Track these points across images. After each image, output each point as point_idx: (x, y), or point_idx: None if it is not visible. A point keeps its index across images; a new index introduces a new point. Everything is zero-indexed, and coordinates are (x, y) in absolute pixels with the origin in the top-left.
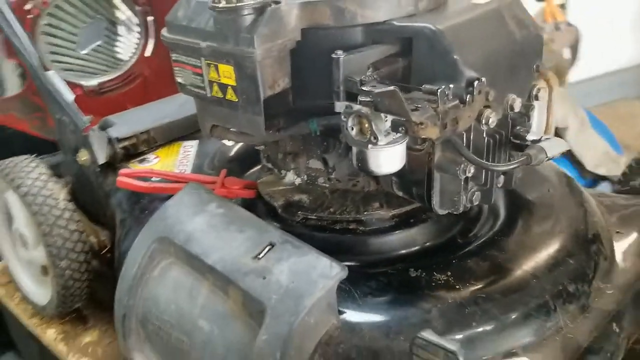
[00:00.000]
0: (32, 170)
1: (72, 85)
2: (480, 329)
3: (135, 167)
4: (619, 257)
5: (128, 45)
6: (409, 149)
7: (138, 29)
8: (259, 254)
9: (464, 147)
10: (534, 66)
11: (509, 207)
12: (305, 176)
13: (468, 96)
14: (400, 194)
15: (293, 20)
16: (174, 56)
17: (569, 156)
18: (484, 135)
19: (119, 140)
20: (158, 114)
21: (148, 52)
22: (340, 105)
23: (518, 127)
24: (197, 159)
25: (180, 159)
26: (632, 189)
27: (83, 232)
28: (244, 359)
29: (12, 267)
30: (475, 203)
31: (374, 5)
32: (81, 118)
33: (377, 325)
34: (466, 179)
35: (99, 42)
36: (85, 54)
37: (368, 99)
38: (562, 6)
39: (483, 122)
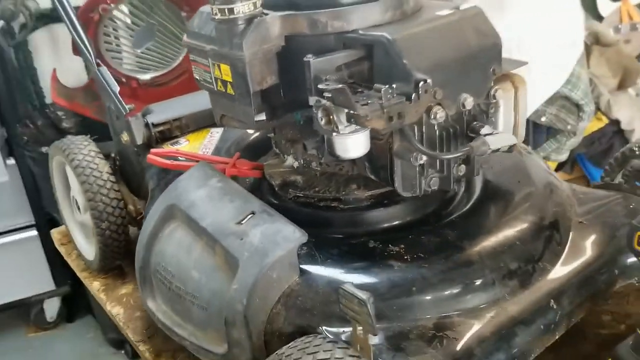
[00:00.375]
0: (84, 147)
1: (129, 79)
2: (419, 294)
3: (167, 147)
4: (577, 244)
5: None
6: (373, 138)
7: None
8: (242, 220)
9: (414, 137)
10: (491, 69)
11: (479, 195)
12: (302, 160)
13: (414, 94)
14: (372, 177)
15: (277, 29)
16: (191, 57)
17: None
18: (436, 129)
19: (155, 125)
20: (191, 104)
21: None
22: (312, 100)
23: (476, 123)
24: (219, 143)
25: (205, 143)
26: (606, 185)
27: (122, 200)
28: (221, 303)
29: (70, 229)
30: (434, 188)
31: (342, 18)
32: (124, 106)
33: (330, 283)
34: (422, 165)
35: (151, 43)
36: (141, 52)
37: (329, 95)
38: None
39: (432, 117)
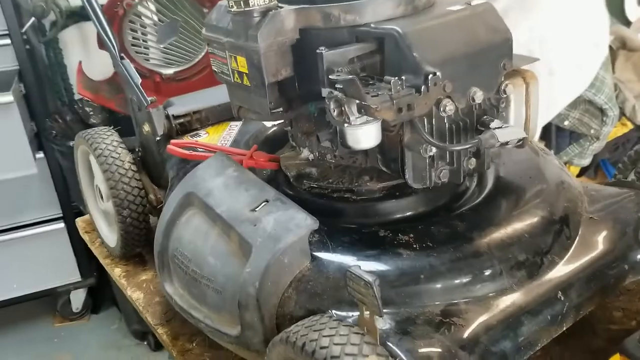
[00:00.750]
0: (107, 137)
1: (153, 73)
2: (427, 281)
3: (187, 139)
4: (587, 239)
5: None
6: (385, 130)
7: None
8: (256, 208)
9: (423, 129)
10: (501, 64)
11: (491, 188)
12: (317, 153)
13: (424, 87)
14: (384, 168)
15: (291, 22)
16: (209, 49)
17: None
18: (445, 121)
19: (175, 117)
20: (211, 98)
21: None
22: (324, 91)
23: (485, 117)
24: (237, 136)
25: (224, 135)
26: (618, 182)
27: (142, 189)
28: (235, 286)
29: (94, 217)
30: (444, 180)
31: (355, 11)
32: (146, 97)
33: (340, 269)
34: (432, 157)
35: (174, 38)
36: (164, 47)
37: (341, 86)
38: None
39: (441, 109)
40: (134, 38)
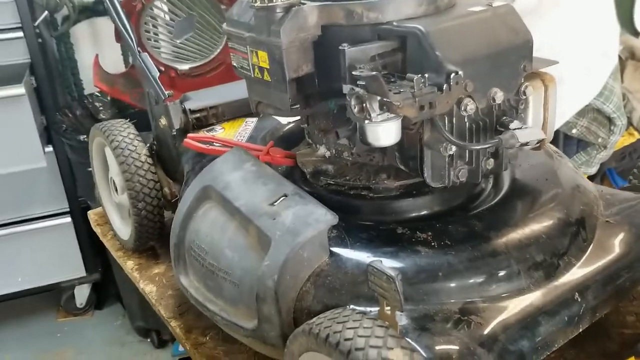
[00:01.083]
0: (124, 130)
1: (168, 68)
2: (445, 279)
3: (202, 134)
4: (603, 241)
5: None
6: (404, 128)
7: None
8: (275, 202)
9: (444, 128)
10: (522, 66)
11: (507, 189)
12: (334, 150)
13: (445, 85)
14: (402, 167)
15: (314, 19)
16: (229, 44)
17: None
18: (466, 121)
19: (192, 111)
20: (228, 93)
21: None
22: (345, 88)
23: (505, 117)
24: (253, 132)
25: (240, 131)
26: (634, 187)
27: (158, 182)
28: (252, 279)
29: (107, 210)
30: (462, 179)
31: (377, 9)
32: (163, 91)
33: (358, 265)
34: (451, 156)
35: (191, 34)
36: (180, 42)
37: (363, 83)
38: None
39: (462, 108)
40: (148, 32)
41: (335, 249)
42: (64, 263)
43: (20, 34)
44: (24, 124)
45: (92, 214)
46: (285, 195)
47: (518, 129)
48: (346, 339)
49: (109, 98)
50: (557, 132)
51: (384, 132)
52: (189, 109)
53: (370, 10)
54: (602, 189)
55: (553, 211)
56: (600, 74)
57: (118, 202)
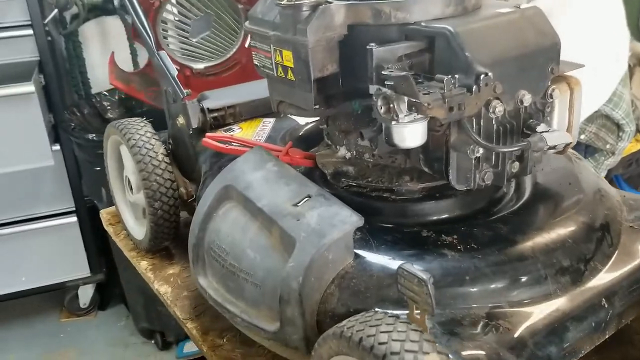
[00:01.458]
0: (141, 128)
1: (183, 67)
2: (472, 283)
3: (220, 133)
4: (628, 247)
5: (231, 36)
6: (430, 129)
7: (241, 23)
8: (298, 202)
9: (472, 130)
10: (549, 69)
11: (531, 194)
12: (354, 151)
13: (475, 87)
14: (426, 169)
15: (340, 18)
16: (252, 43)
17: None
18: (493, 123)
19: (210, 110)
20: (245, 93)
21: (247, 43)
22: (372, 88)
23: (532, 120)
24: (271, 132)
25: (258, 131)
26: None
27: (174, 181)
28: (276, 281)
29: (120, 209)
30: (488, 182)
31: (405, 9)
32: (182, 90)
33: (384, 268)
34: (477, 159)
35: (207, 33)
36: (196, 41)
37: (391, 83)
38: None
39: (491, 110)
40: (163, 30)
41: (359, 251)
42: (68, 263)
43: (30, 31)
44: (33, 122)
45: (104, 213)
46: (309, 196)
47: (546, 132)
48: (380, 343)
49: (116, 97)
50: None
51: (411, 133)
52: (207, 108)
53: (399, 10)
54: (625, 194)
55: (578, 216)
56: (609, 80)
57: (133, 201)
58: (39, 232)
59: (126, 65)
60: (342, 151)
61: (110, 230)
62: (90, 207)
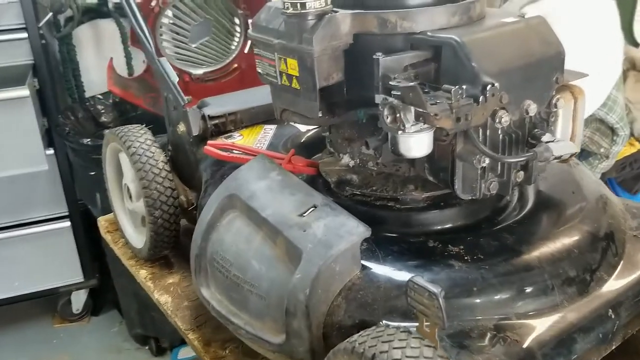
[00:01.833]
0: (141, 136)
1: (182, 72)
2: (480, 294)
3: (221, 140)
4: (633, 256)
5: (231, 42)
6: (436, 139)
7: (240, 29)
8: (304, 213)
9: (478, 140)
10: (554, 78)
11: (534, 203)
12: (358, 160)
13: (482, 97)
14: (431, 178)
15: (346, 27)
16: (255, 50)
17: None
18: (499, 133)
19: (211, 117)
20: (246, 100)
21: (247, 49)
22: (378, 97)
23: (536, 130)
24: (273, 139)
25: (259, 138)
26: None
27: (175, 189)
28: (282, 292)
29: (119, 217)
30: (493, 192)
31: (411, 19)
32: (182, 97)
33: (391, 280)
34: (483, 169)
35: (206, 38)
36: (195, 47)
37: (399, 93)
38: None
39: (497, 121)
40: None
41: (366, 262)
42: (61, 268)
43: (24, 34)
44: (27, 126)
45: (102, 221)
46: (315, 206)
47: (551, 141)
48: (394, 359)
49: (111, 101)
50: None
51: (417, 143)
52: (208, 115)
53: (405, 20)
54: (627, 202)
55: (582, 225)
56: (604, 84)
57: (132, 209)
58: (32, 237)
59: (120, 69)
60: (346, 159)
61: (108, 238)
62: (83, 212)
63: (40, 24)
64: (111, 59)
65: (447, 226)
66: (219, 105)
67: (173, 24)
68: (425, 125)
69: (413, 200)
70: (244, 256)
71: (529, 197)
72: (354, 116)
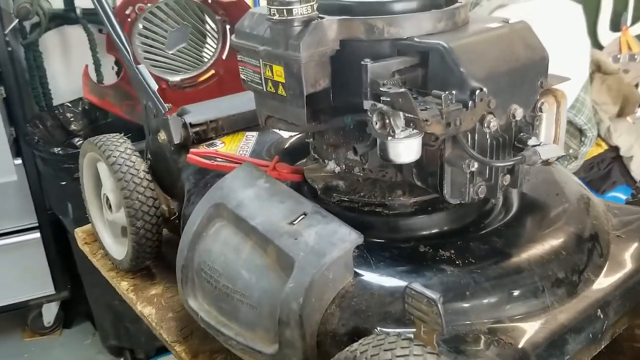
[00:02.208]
0: (120, 145)
1: (159, 80)
2: (472, 298)
3: (203, 148)
4: (617, 256)
5: (209, 48)
6: (425, 144)
7: (217, 35)
8: (294, 221)
9: (467, 144)
10: (538, 83)
11: (519, 205)
12: (344, 165)
13: (470, 102)
14: (419, 183)
15: (333, 33)
16: (239, 57)
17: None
18: (487, 137)
19: (192, 125)
20: (227, 107)
21: (225, 55)
22: (367, 104)
23: (522, 134)
24: (256, 146)
25: (241, 145)
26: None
27: (157, 199)
28: (273, 302)
29: (97, 228)
30: (481, 196)
31: (398, 24)
32: (163, 105)
33: (384, 286)
34: (472, 173)
35: (184, 45)
36: (172, 53)
37: (388, 99)
38: (639, 37)
39: (485, 125)
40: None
41: (358, 269)
42: (32, 280)
43: None
44: None
45: (79, 232)
46: (305, 214)
47: (537, 145)
48: None
49: (80, 108)
50: None
51: (406, 148)
52: (190, 123)
53: (391, 26)
54: (609, 203)
55: (568, 226)
56: (572, 87)
57: (111, 219)
58: (0, 249)
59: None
60: (331, 165)
61: (86, 249)
62: (54, 223)
63: (6, 31)
64: (86, 66)
65: (436, 231)
66: (199, 112)
67: (149, 30)
68: (415, 131)
69: (401, 205)
70: (233, 266)
71: (514, 200)
72: (340, 122)
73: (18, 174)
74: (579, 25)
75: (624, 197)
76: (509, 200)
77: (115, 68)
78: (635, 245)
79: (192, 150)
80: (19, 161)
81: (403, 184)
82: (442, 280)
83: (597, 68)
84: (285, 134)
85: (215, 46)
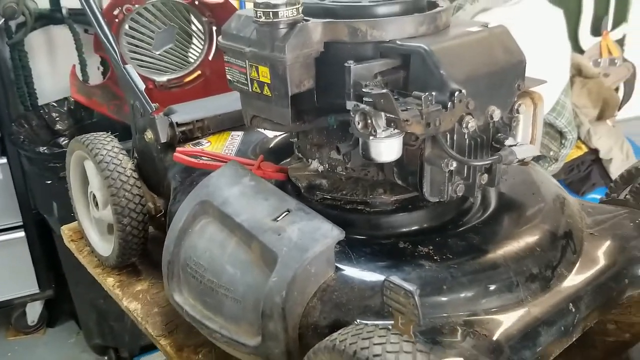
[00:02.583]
0: (108, 143)
1: (145, 80)
2: (449, 292)
3: (189, 147)
4: (590, 253)
5: (195, 49)
6: (405, 144)
7: (204, 36)
8: (278, 217)
9: (446, 144)
10: (516, 85)
11: (497, 204)
12: (327, 164)
13: (450, 103)
14: (400, 182)
15: (318, 35)
16: (226, 58)
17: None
18: (466, 137)
19: (179, 125)
20: (213, 107)
21: (211, 56)
22: (350, 104)
23: (499, 134)
24: (241, 145)
25: (227, 144)
26: (613, 201)
27: (143, 197)
28: (257, 296)
29: (84, 226)
30: (459, 194)
31: (381, 28)
32: (150, 104)
33: (364, 280)
34: (450, 172)
35: (170, 46)
36: (159, 54)
37: (370, 100)
38: (619, 42)
39: (464, 126)
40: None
41: (340, 264)
42: (16, 279)
43: None
44: None
45: (65, 229)
46: (289, 211)
47: (514, 145)
48: (375, 355)
49: (65, 108)
50: None
51: (388, 148)
52: (176, 122)
53: (374, 29)
54: (583, 202)
55: (543, 224)
56: (552, 90)
57: (98, 217)
58: None
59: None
60: (315, 164)
61: (72, 246)
62: (38, 222)
63: None
64: (74, 66)
65: (416, 228)
66: (186, 112)
67: (137, 31)
68: (396, 131)
69: (382, 203)
70: (218, 261)
71: (492, 199)
72: (324, 122)
73: (3, 173)
74: (560, 29)
75: None
76: (486, 199)
77: (101, 68)
78: (608, 242)
79: (178, 149)
80: (4, 160)
81: (384, 182)
82: (420, 275)
83: (578, 72)
84: (270, 134)
85: (201, 47)
